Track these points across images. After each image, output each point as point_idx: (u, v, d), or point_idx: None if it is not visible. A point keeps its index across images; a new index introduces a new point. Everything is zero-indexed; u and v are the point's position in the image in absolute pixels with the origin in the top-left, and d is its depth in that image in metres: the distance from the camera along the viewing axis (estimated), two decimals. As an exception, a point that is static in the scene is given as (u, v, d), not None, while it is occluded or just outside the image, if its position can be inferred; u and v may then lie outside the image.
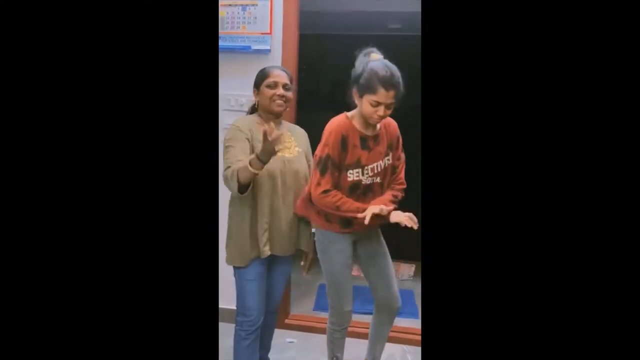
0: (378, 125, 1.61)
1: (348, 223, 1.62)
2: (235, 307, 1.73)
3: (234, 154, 1.57)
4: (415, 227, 1.52)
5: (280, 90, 1.65)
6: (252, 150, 1.60)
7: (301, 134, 1.82)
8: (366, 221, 1.52)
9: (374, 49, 1.60)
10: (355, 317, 1.95)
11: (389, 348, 1.92)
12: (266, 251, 1.64)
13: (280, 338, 2.21)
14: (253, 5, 2.20)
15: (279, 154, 1.55)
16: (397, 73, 1.51)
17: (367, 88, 1.49)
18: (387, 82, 1.47)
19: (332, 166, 1.56)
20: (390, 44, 1.66)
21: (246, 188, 1.53)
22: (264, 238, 1.63)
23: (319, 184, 1.56)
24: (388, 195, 1.67)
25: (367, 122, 1.58)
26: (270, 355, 1.96)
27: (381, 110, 1.50)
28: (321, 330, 2.18)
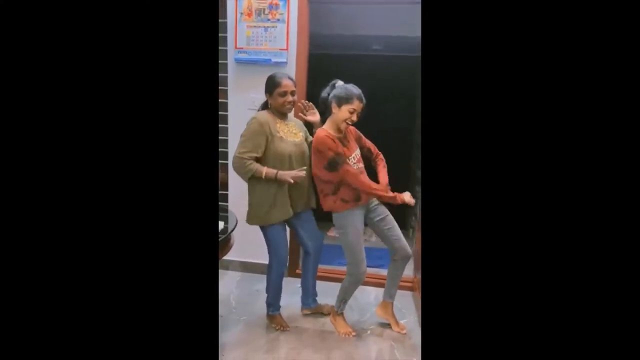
0: (341, 128, 2.25)
1: (358, 197, 2.24)
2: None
3: (248, 146, 2.15)
4: (412, 204, 2.28)
5: (290, 98, 2.23)
6: (267, 141, 2.17)
7: (301, 124, 2.40)
8: (406, 200, 2.24)
9: (338, 80, 2.28)
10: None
11: (379, 343, 2.31)
12: (290, 212, 2.27)
13: (293, 285, 2.77)
14: (273, 27, 2.76)
15: (290, 139, 2.23)
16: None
17: (346, 99, 2.15)
18: (359, 96, 2.16)
19: (339, 157, 2.20)
20: (373, 62, 2.30)
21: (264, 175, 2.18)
22: (286, 203, 2.25)
23: (347, 170, 2.19)
24: (384, 175, 2.36)
25: (337, 127, 2.19)
26: (283, 297, 2.47)
27: (355, 116, 2.18)
28: (326, 279, 2.84)
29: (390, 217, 2.37)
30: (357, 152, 2.28)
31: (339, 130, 2.23)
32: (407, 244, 2.39)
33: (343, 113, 2.16)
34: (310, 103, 2.41)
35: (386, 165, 2.41)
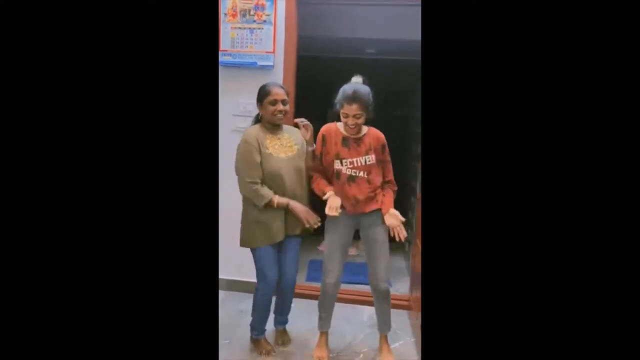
0: (363, 132, 2.09)
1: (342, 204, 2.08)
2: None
3: (247, 172, 2.02)
4: (403, 239, 2.05)
5: (280, 106, 2.07)
6: (260, 154, 2.03)
7: (296, 133, 2.19)
8: (328, 210, 2.01)
9: (358, 74, 2.08)
10: (343, 286, 2.38)
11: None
12: (279, 237, 2.09)
13: (300, 304, 2.60)
14: (259, 29, 2.60)
15: (280, 155, 2.06)
16: (362, 92, 1.98)
17: (338, 104, 2.01)
18: (349, 98, 1.96)
19: (317, 158, 2.11)
20: (366, 66, 2.12)
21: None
22: (275, 226, 2.08)
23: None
24: (389, 197, 2.13)
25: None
26: (271, 316, 2.35)
27: (350, 120, 2.01)
28: (313, 297, 2.63)
29: (379, 246, 2.12)
30: (359, 159, 2.07)
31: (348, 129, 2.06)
32: (383, 278, 2.14)
33: (341, 118, 2.03)
34: (306, 122, 2.12)
35: (392, 195, 2.17)
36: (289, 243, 2.19)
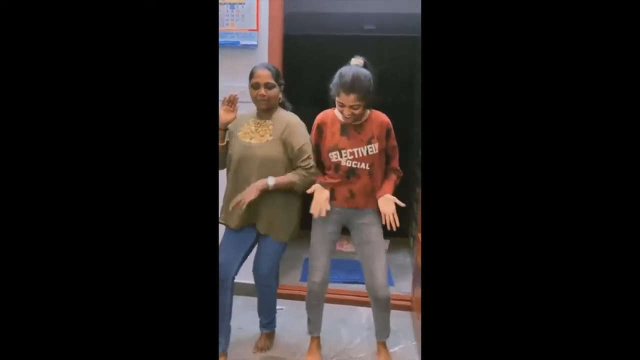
0: (364, 117, 1.83)
1: (332, 196, 1.86)
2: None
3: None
4: (394, 228, 1.79)
5: (262, 91, 1.85)
6: (229, 137, 1.95)
7: (283, 123, 1.90)
8: (313, 209, 1.82)
9: (358, 56, 1.81)
10: (339, 286, 2.18)
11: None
12: (233, 222, 1.91)
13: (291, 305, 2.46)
14: (241, 4, 2.37)
15: (245, 140, 1.90)
16: (361, 79, 1.70)
17: (334, 89, 1.75)
18: (347, 88, 1.69)
19: (313, 149, 1.88)
20: (366, 44, 1.88)
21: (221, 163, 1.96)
22: (228, 211, 1.91)
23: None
24: (390, 182, 1.88)
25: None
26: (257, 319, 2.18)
27: (346, 111, 1.74)
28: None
29: (375, 248, 1.87)
30: (360, 150, 1.81)
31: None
32: (382, 284, 1.88)
33: (337, 106, 1.78)
34: (235, 96, 1.90)
35: (395, 180, 1.94)
36: (265, 239, 1.98)
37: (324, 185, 1.86)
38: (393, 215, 1.79)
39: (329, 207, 1.82)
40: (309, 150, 1.88)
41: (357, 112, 1.75)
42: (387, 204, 1.81)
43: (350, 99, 1.70)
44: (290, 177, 1.86)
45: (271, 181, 1.83)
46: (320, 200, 1.82)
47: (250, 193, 1.80)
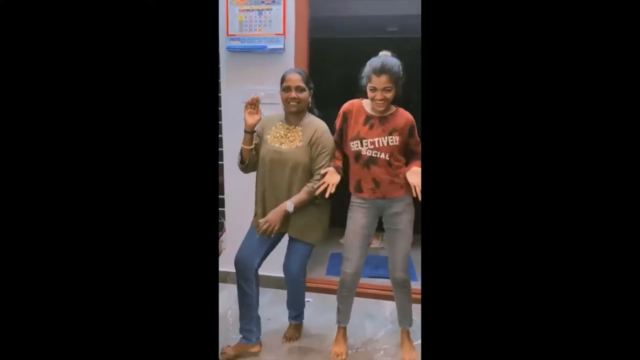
0: (390, 111, 1.91)
1: (359, 187, 1.95)
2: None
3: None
4: (419, 198, 1.80)
5: (293, 94, 1.93)
6: (259, 140, 2.03)
7: (312, 129, 1.97)
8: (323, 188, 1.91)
9: (386, 50, 1.90)
10: (365, 280, 2.24)
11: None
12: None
13: (322, 299, 2.55)
14: (268, 10, 2.47)
15: (274, 144, 1.97)
16: (391, 63, 1.79)
17: (366, 78, 1.84)
18: (377, 69, 1.78)
19: (337, 135, 1.99)
20: (389, 46, 1.94)
21: (245, 165, 2.03)
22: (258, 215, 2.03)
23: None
24: (417, 160, 1.91)
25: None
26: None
27: (378, 95, 1.81)
28: (333, 292, 2.52)
29: (401, 235, 1.96)
30: (381, 139, 1.88)
31: (375, 108, 1.90)
32: (402, 267, 1.99)
33: (369, 94, 1.86)
34: (257, 98, 1.94)
35: (417, 169, 1.90)
36: (295, 244, 2.08)
37: (338, 169, 1.94)
38: (420, 187, 1.83)
39: (333, 190, 1.90)
40: (326, 160, 1.96)
41: (389, 95, 1.82)
42: (415, 175, 1.86)
43: (382, 80, 1.78)
44: (304, 194, 1.94)
45: (290, 207, 1.92)
46: (329, 181, 1.90)
47: (275, 222, 1.90)
